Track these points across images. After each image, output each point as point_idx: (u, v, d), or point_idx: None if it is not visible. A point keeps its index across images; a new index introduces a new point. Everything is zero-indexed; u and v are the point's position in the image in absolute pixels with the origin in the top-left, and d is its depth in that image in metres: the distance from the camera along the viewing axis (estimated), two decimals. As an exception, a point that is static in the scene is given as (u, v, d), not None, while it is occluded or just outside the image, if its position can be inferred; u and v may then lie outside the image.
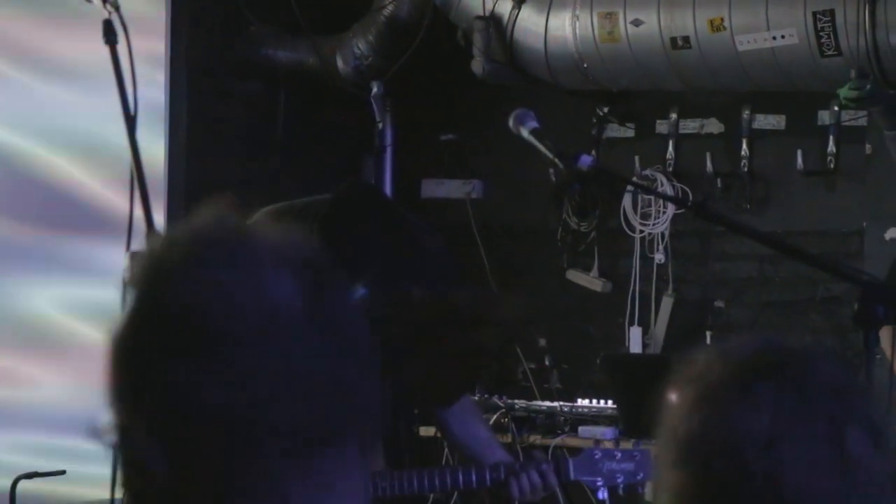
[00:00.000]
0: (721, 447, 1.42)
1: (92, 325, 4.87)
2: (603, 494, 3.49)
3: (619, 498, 5.14)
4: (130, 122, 2.50)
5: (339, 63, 5.80)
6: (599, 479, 3.43)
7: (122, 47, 2.55)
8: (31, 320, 4.88)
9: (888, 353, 4.01)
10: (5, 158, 4.81)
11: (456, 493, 5.66)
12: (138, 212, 2.49)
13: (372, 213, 3.01)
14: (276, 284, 1.07)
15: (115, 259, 2.51)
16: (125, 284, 2.39)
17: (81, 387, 4.67)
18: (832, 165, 5.44)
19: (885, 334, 4.31)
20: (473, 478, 3.24)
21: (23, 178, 4.86)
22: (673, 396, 1.48)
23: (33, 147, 4.89)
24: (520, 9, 5.50)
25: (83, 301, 4.91)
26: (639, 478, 3.48)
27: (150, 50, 5.02)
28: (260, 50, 5.89)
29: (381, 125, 5.93)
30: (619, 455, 3.47)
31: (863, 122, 5.35)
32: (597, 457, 3.44)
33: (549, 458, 3.43)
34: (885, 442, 1.45)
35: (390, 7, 5.71)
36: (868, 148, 5.37)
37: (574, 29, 5.38)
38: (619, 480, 3.45)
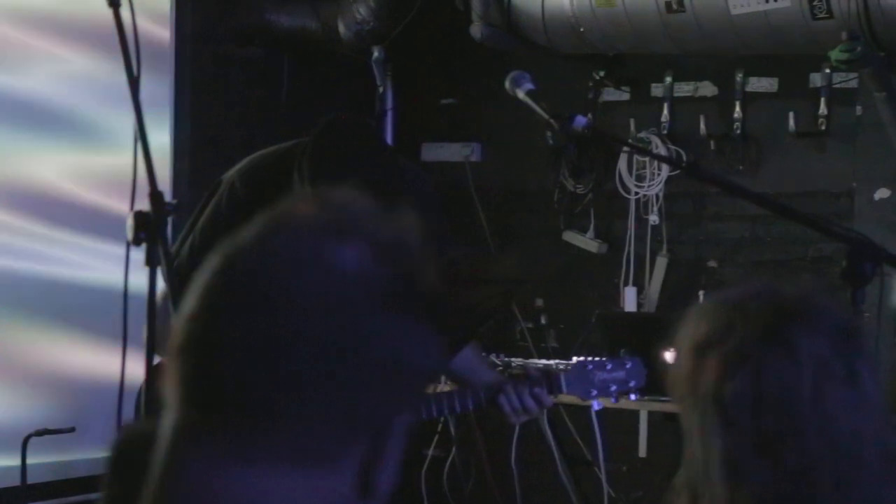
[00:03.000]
0: (771, 405, 1.45)
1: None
2: (598, 405, 3.46)
3: (608, 421, 5.08)
4: (134, 84, 2.48)
5: (341, 28, 5.80)
6: (593, 389, 3.41)
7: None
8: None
9: None
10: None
11: (454, 449, 5.78)
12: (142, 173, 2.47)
13: (357, 144, 2.98)
14: (347, 257, 1.09)
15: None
16: (128, 244, 2.46)
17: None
18: (823, 127, 5.47)
19: None
20: (470, 401, 3.25)
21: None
22: (695, 356, 1.50)
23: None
24: (517, -26, 5.53)
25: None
26: (631, 385, 3.46)
27: (153, 15, 5.08)
28: (262, 15, 5.89)
29: (381, 89, 5.97)
30: (610, 365, 3.46)
31: (853, 83, 5.37)
32: (588, 368, 3.43)
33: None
34: (880, 376, 1.52)
35: (390, -28, 5.74)
36: (858, 109, 5.40)
37: (570, -6, 5.42)
38: (613, 389, 3.44)
